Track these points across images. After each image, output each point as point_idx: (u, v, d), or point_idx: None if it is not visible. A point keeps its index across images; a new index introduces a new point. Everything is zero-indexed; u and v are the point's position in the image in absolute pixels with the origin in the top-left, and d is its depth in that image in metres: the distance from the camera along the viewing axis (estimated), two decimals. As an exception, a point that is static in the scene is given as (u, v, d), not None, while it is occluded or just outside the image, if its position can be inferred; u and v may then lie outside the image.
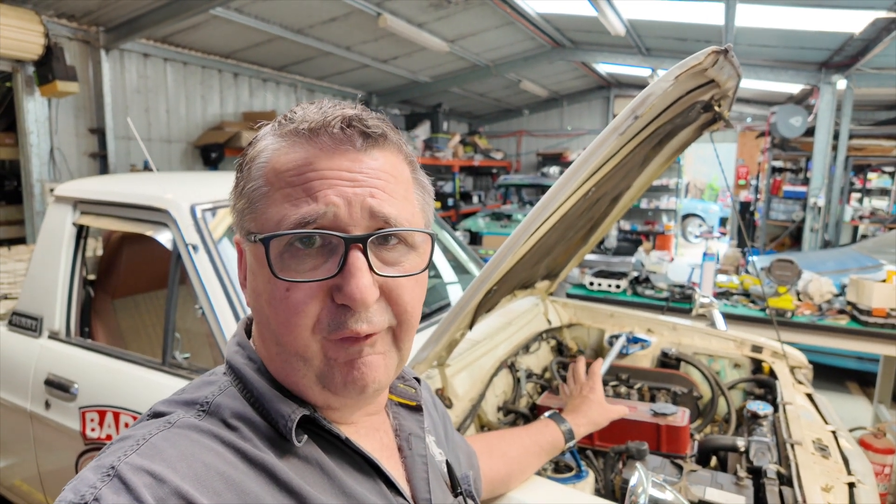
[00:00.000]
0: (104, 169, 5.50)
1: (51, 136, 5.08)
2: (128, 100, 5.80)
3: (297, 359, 0.60)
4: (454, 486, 0.78)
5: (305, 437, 0.61)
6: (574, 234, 1.93)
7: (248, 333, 0.70)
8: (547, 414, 1.28)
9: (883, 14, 4.73)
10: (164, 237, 1.82)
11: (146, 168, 5.53)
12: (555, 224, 1.36)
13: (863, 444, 2.81)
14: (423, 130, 9.39)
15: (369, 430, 0.70)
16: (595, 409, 1.32)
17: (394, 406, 0.76)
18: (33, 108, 4.92)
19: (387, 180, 0.61)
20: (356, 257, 0.57)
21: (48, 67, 4.61)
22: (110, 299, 2.28)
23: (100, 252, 2.59)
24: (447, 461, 0.80)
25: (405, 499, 0.66)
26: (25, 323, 2.06)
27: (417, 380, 0.81)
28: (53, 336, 1.99)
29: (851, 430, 3.03)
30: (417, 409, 0.77)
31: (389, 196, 0.60)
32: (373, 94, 9.42)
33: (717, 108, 1.46)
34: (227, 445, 0.56)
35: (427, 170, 0.70)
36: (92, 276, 2.41)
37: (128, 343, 2.40)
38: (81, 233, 2.04)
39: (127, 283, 2.30)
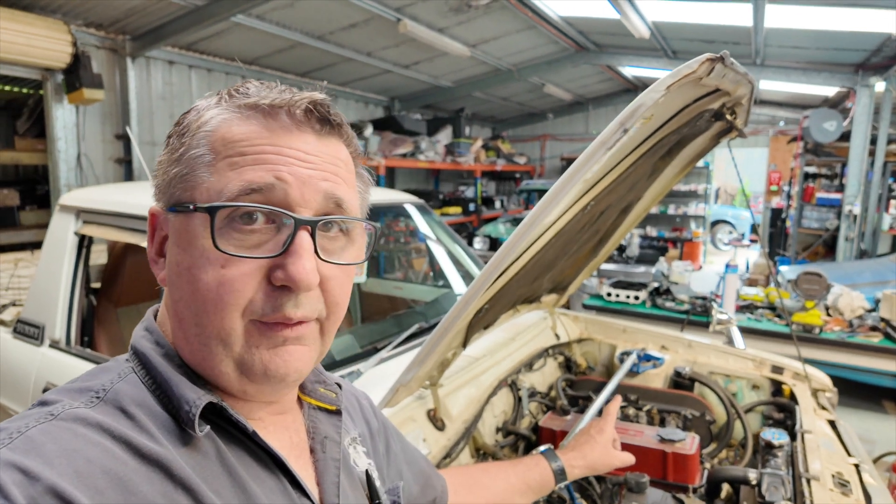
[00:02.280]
0: (129, 174, 5.62)
1: (78, 142, 5.21)
2: (153, 106, 5.91)
3: (217, 342, 0.57)
4: (372, 496, 0.75)
5: (208, 427, 0.57)
6: (579, 248, 1.84)
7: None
8: (540, 449, 1.20)
9: (923, 13, 4.51)
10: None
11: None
12: (550, 241, 1.29)
13: (895, 469, 2.63)
14: (444, 135, 9.32)
15: (278, 429, 0.67)
16: (597, 452, 1.23)
17: (311, 409, 0.73)
18: (62, 115, 5.05)
19: (339, 167, 0.62)
20: (304, 238, 0.57)
21: (76, 75, 4.73)
22: (114, 308, 2.29)
23: (104, 261, 2.61)
24: (367, 471, 0.76)
25: (311, 500, 0.63)
26: (29, 331, 2.07)
27: (339, 385, 0.79)
28: (54, 344, 2.00)
29: (884, 456, 2.85)
30: (336, 413, 0.74)
31: (343, 182, 0.62)
32: (395, 100, 9.42)
33: (728, 117, 1.38)
34: (117, 440, 0.51)
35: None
36: (97, 285, 2.42)
37: (133, 351, 2.39)
38: (83, 242, 2.05)
39: (131, 291, 2.31)
